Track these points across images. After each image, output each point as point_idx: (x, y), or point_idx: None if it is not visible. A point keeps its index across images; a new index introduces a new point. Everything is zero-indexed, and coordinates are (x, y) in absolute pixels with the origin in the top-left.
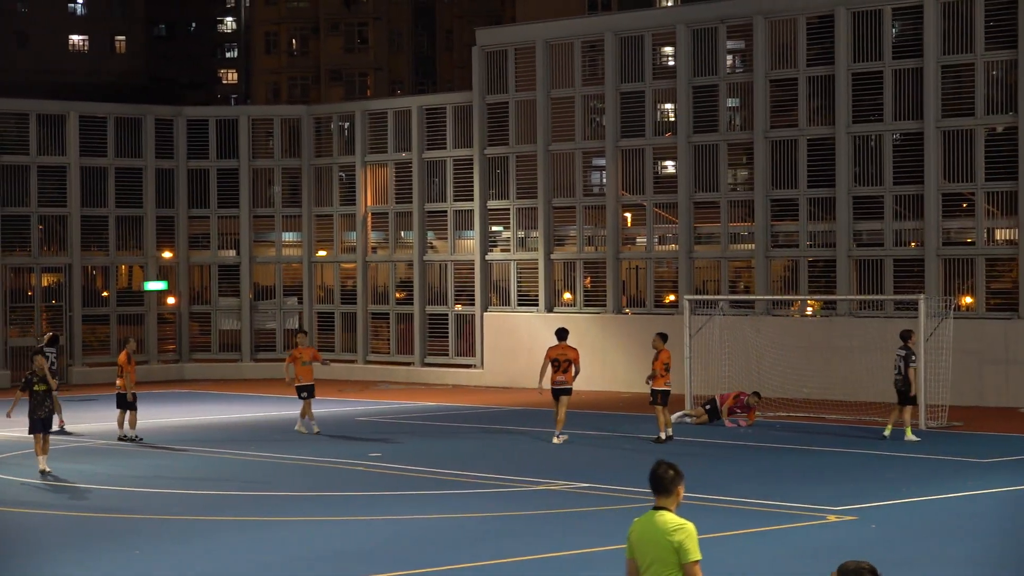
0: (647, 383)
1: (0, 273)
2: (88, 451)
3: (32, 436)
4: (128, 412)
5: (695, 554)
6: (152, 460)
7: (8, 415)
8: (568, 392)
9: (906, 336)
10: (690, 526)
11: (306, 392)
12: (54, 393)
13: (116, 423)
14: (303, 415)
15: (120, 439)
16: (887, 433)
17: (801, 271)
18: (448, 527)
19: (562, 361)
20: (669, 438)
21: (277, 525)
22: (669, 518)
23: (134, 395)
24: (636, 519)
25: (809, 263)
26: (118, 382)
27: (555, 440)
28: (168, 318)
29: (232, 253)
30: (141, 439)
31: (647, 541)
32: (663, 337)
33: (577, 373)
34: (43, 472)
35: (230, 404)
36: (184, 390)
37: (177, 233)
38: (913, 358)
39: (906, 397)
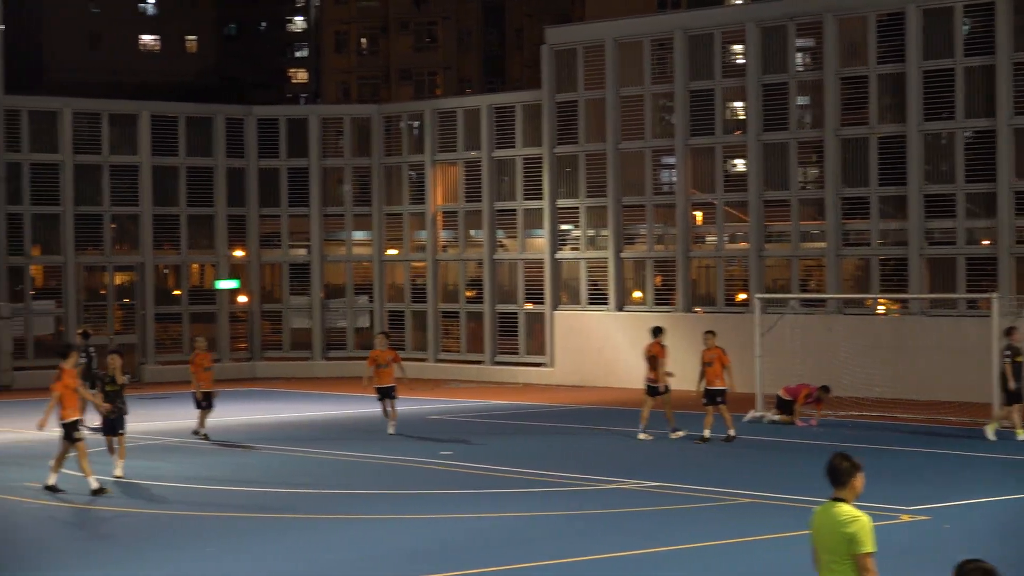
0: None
1: (74, 272)
2: (161, 449)
3: (104, 437)
4: (200, 410)
5: (867, 546)
6: (225, 458)
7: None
8: (651, 392)
9: (1009, 332)
10: (864, 518)
11: (382, 393)
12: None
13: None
14: (388, 417)
15: (193, 433)
16: (991, 434)
17: (872, 270)
18: (518, 525)
19: (647, 358)
20: (730, 438)
21: (349, 523)
22: (844, 509)
23: (204, 394)
24: (817, 508)
25: (880, 262)
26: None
27: (640, 437)
28: (240, 316)
29: (303, 252)
30: (199, 435)
31: (823, 531)
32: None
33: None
34: (116, 478)
35: (301, 402)
36: (256, 388)
37: (248, 232)
38: (1007, 353)
39: (1012, 395)
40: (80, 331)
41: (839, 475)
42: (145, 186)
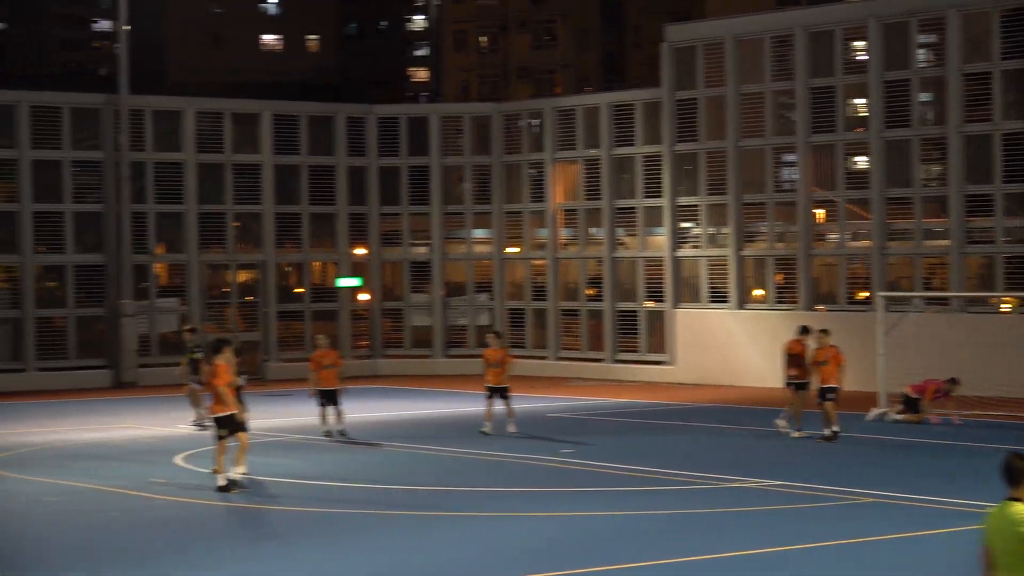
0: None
1: (197, 270)
2: (282, 446)
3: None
4: (331, 408)
5: None
6: (347, 456)
7: (202, 421)
8: (797, 386)
9: None
10: None
11: (492, 392)
12: (193, 387)
13: (329, 419)
14: (487, 417)
15: (326, 434)
16: None
17: (997, 267)
18: (639, 524)
19: (788, 355)
20: (835, 435)
21: (468, 520)
22: (1018, 509)
23: (321, 392)
24: (991, 510)
25: (1005, 259)
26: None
27: (793, 434)
28: (361, 314)
29: (423, 250)
30: (342, 434)
31: (998, 531)
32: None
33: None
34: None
35: (423, 400)
36: (377, 386)
37: (369, 230)
38: None
39: None
40: (188, 328)
41: (1014, 475)
42: (267, 185)
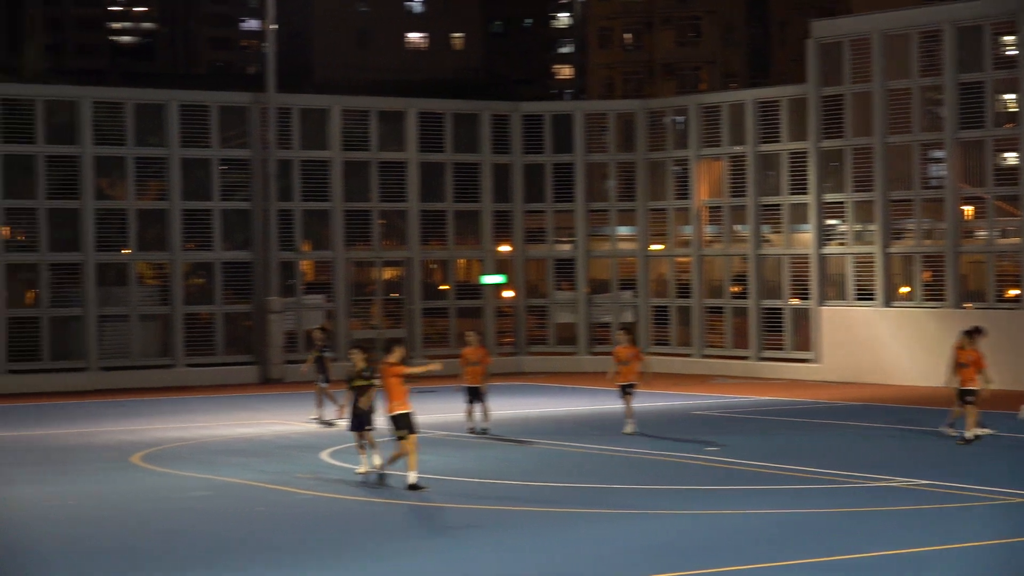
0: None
1: (343, 267)
2: (430, 443)
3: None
4: (477, 404)
5: None
6: (493, 452)
7: (341, 412)
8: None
9: None
10: None
11: (624, 389)
12: (321, 385)
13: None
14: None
15: (470, 430)
16: None
17: None
18: (783, 522)
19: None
20: (976, 438)
21: (615, 518)
22: None
23: (467, 389)
24: None
25: None
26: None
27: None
28: (506, 311)
29: (568, 247)
30: (484, 431)
31: None
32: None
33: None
34: (363, 473)
35: (567, 397)
36: (521, 383)
37: (514, 227)
38: None
39: None
40: (319, 327)
41: None
42: (412, 182)
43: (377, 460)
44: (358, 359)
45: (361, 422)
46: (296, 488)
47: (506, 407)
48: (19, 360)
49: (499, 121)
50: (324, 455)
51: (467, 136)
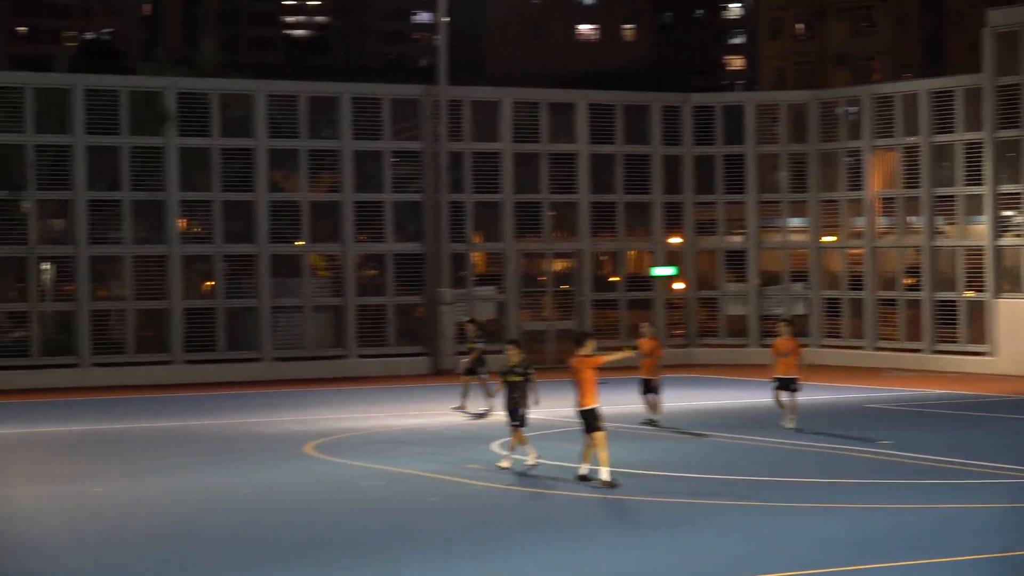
0: None
1: (514, 258)
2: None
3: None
4: (650, 396)
5: None
6: (664, 445)
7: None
8: None
9: None
10: None
11: (780, 384)
12: (482, 377)
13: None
14: (789, 411)
15: (646, 423)
16: None
17: None
18: (956, 517)
19: None
20: None
21: (785, 511)
22: None
23: (642, 382)
24: None
25: None
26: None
27: None
28: (676, 303)
29: (739, 238)
30: (653, 423)
31: None
32: None
33: None
34: (501, 467)
35: (738, 389)
36: (692, 375)
37: (684, 218)
38: None
39: None
40: (469, 319)
41: None
42: (583, 174)
43: (505, 463)
44: (513, 354)
45: (513, 416)
46: (467, 479)
47: (677, 399)
48: (195, 351)
49: (670, 113)
50: (495, 446)
51: (637, 128)
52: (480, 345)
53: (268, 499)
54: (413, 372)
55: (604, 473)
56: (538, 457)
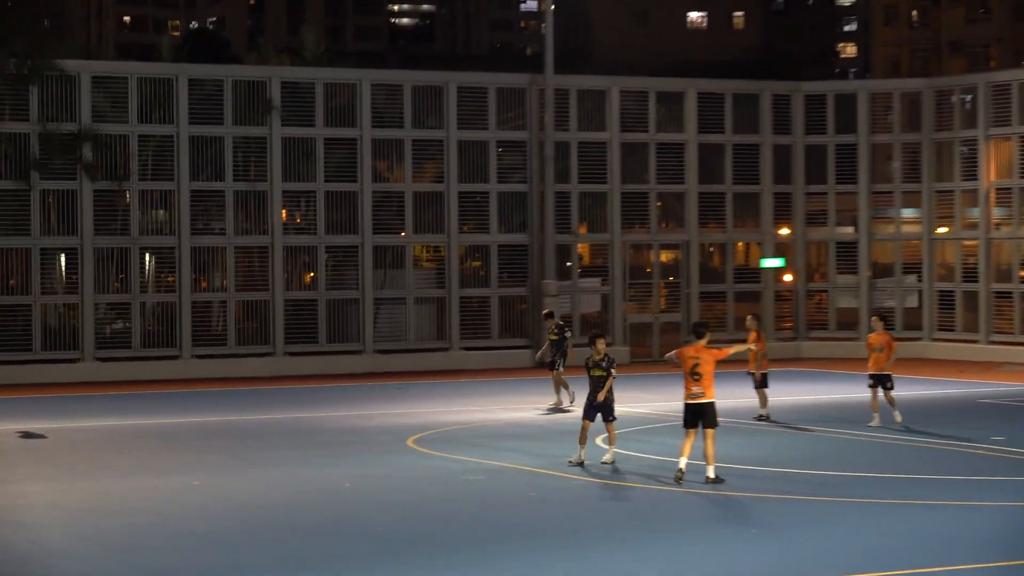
0: None
1: (620, 250)
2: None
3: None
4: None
5: None
6: (774, 440)
7: (570, 401)
8: None
9: None
10: None
11: (875, 380)
12: (558, 373)
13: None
14: (873, 408)
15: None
16: None
17: None
18: None
19: None
20: None
21: (895, 508)
22: None
23: (757, 374)
24: None
25: None
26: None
27: None
28: (785, 295)
29: (850, 230)
30: (760, 418)
31: None
32: None
33: None
34: (604, 462)
35: (847, 384)
36: (800, 368)
37: (794, 209)
38: None
39: None
40: (546, 312)
41: None
42: (691, 164)
43: (608, 456)
44: (601, 347)
45: (596, 412)
46: (569, 474)
47: (785, 393)
48: (296, 343)
49: (780, 101)
50: (599, 440)
51: (747, 117)
52: (569, 335)
53: (369, 493)
54: (516, 365)
55: (711, 470)
56: (608, 460)
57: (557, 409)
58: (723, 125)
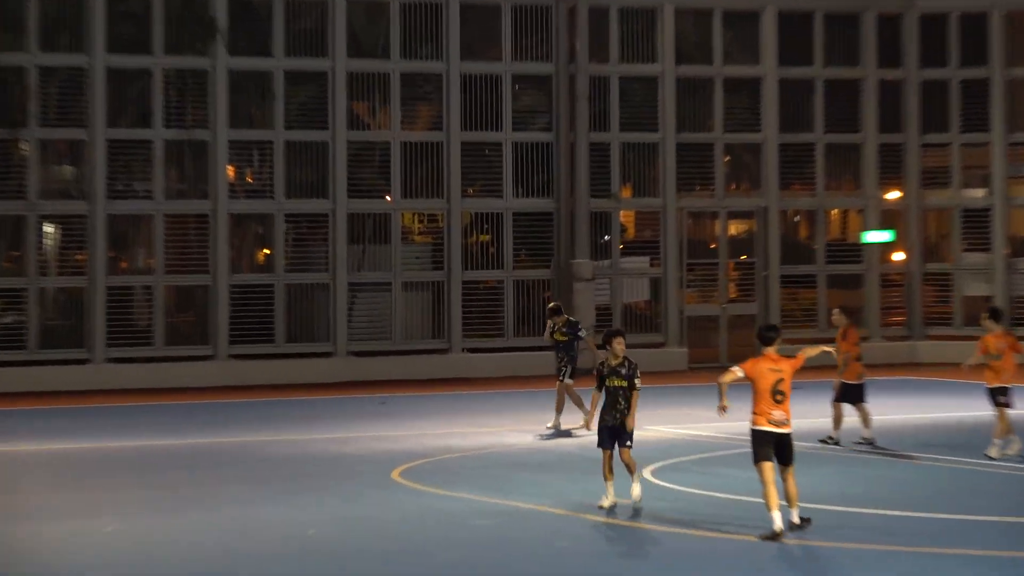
0: None
1: (675, 220)
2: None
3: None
4: (850, 407)
5: None
6: (875, 472)
7: (587, 426)
8: None
9: None
10: None
11: (1000, 396)
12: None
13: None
14: (999, 434)
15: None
16: None
17: None
18: None
19: None
20: None
21: (993, 561)
22: None
23: (843, 385)
24: None
25: None
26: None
27: None
28: (894, 280)
29: (980, 192)
30: (862, 441)
31: None
32: None
33: None
34: (605, 508)
35: (973, 397)
36: (916, 377)
37: (906, 166)
38: None
39: None
40: (552, 305)
41: None
42: (769, 106)
43: (636, 490)
44: (619, 348)
45: (615, 438)
46: (604, 518)
47: (894, 409)
48: (245, 342)
49: (887, 24)
50: (647, 472)
51: (844, 44)
52: (583, 336)
53: (341, 543)
54: (538, 372)
55: (795, 513)
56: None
57: (557, 432)
58: (812, 55)
